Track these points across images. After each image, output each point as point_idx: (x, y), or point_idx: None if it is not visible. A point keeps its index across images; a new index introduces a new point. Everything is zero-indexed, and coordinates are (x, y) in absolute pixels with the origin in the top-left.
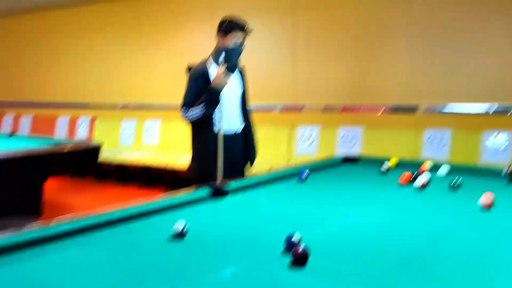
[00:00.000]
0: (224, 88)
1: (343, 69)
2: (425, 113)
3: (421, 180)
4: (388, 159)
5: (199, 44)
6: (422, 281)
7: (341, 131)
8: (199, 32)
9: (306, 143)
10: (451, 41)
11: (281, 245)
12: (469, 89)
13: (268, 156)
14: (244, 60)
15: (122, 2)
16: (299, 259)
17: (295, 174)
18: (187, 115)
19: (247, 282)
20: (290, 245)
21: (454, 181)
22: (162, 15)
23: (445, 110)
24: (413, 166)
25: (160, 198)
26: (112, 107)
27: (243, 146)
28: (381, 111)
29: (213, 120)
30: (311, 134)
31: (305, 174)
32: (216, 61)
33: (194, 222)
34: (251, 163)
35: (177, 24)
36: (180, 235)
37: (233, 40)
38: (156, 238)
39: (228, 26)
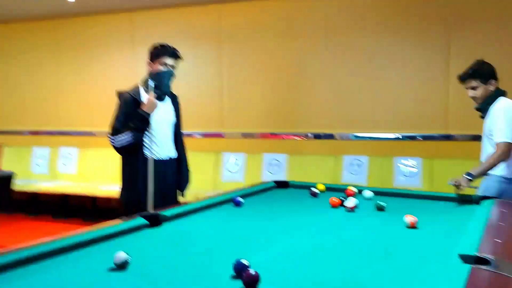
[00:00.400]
0: (154, 113)
1: (268, 98)
2: (343, 139)
3: (350, 203)
4: (315, 184)
5: (118, 70)
6: None
7: (266, 158)
8: (119, 57)
9: (233, 170)
10: (371, 73)
11: (228, 270)
12: (384, 118)
13: (195, 183)
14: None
15: (37, 23)
16: (252, 283)
17: (229, 200)
18: (115, 141)
19: None
20: (240, 269)
21: (379, 203)
22: (80, 40)
23: (361, 137)
24: (339, 190)
25: (93, 229)
26: (21, 133)
27: (175, 174)
28: (303, 138)
29: (144, 146)
30: (237, 161)
31: (240, 199)
32: (147, 86)
33: (133, 252)
34: (183, 191)
35: (96, 50)
36: (122, 266)
37: (163, 65)
38: (96, 270)
39: (158, 52)
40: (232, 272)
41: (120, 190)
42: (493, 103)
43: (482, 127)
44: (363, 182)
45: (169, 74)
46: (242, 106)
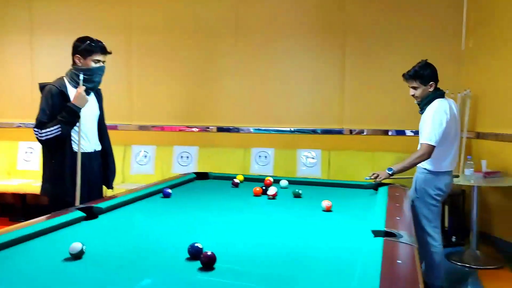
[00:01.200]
0: (83, 107)
1: (178, 93)
2: (251, 133)
3: (272, 191)
4: (235, 175)
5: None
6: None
7: (177, 150)
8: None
9: (142, 163)
10: (277, 72)
11: (181, 254)
12: (287, 114)
13: None
14: None
15: None
16: (210, 262)
17: (157, 192)
18: (41, 134)
19: None
20: (196, 251)
21: (296, 191)
22: None
23: (268, 130)
24: (256, 180)
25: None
26: None
27: (100, 167)
28: (213, 131)
29: (71, 139)
30: (147, 154)
31: (169, 190)
32: (74, 80)
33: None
34: (111, 184)
35: None
36: (78, 256)
37: (94, 61)
38: (52, 260)
39: (89, 48)
40: (185, 255)
41: (43, 185)
42: (430, 104)
43: (370, 123)
44: (270, 172)
45: (102, 71)
46: (152, 99)
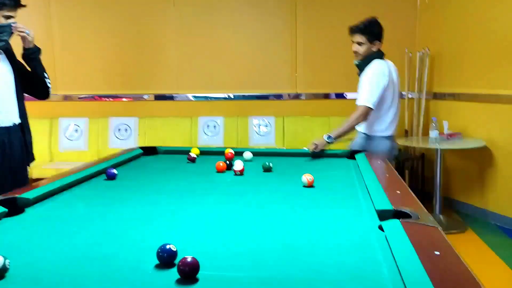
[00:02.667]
0: None
1: (110, 59)
2: (197, 100)
3: (238, 165)
4: (188, 149)
5: None
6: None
7: (113, 122)
8: None
9: (72, 138)
10: (224, 36)
11: (144, 260)
12: (237, 79)
13: None
14: None
15: None
16: (193, 273)
17: (98, 173)
18: None
19: None
20: (169, 257)
21: (266, 164)
22: None
23: (216, 97)
24: (216, 154)
25: None
26: None
27: (22, 144)
28: (151, 99)
29: None
30: (78, 127)
31: (114, 171)
32: None
33: (4, 252)
34: (29, 164)
35: None
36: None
37: (4, 16)
38: None
39: None
40: (150, 261)
41: None
42: (369, 64)
43: (324, 88)
44: (220, 143)
45: (10, 28)
46: (79, 63)
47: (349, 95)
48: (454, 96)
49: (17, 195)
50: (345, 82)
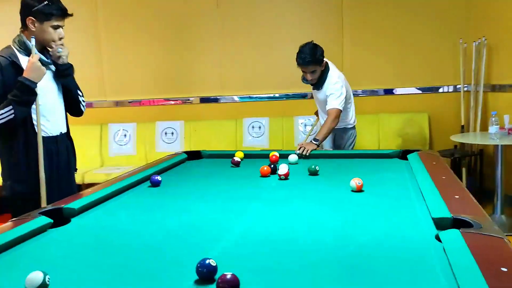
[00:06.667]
0: (40, 80)
1: (154, 63)
2: (239, 102)
3: (283, 170)
4: (232, 152)
5: None
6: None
7: (160, 126)
8: None
9: (122, 143)
10: (264, 37)
11: (186, 274)
12: (278, 78)
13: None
14: None
15: None
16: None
17: (143, 180)
18: None
19: None
20: (209, 272)
21: (313, 167)
22: None
23: (260, 98)
24: (260, 156)
25: None
26: None
27: (68, 152)
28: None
29: (32, 122)
30: (126, 132)
31: (158, 177)
32: (25, 49)
33: (44, 268)
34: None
35: None
36: None
37: (53, 26)
38: None
39: (47, 10)
40: (191, 276)
41: (3, 182)
42: (326, 78)
43: (372, 84)
44: (265, 144)
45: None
46: (125, 70)
47: (399, 91)
48: None
49: (63, 206)
50: (392, 79)
